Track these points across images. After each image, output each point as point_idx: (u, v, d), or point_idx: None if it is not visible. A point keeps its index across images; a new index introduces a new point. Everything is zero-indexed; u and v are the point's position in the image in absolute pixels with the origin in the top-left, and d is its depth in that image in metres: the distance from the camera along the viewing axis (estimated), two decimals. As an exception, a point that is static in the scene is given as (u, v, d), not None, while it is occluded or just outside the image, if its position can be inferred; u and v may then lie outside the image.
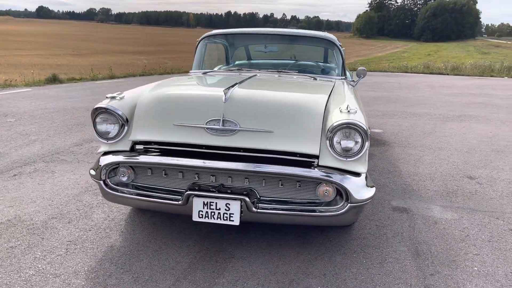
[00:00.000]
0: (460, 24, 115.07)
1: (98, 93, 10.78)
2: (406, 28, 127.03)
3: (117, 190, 3.03)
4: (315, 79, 4.10)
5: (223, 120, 2.78)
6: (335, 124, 2.71)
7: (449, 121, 8.26)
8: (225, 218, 2.79)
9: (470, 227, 3.53)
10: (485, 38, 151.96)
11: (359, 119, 2.76)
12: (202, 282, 2.67)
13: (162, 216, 3.55)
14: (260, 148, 2.78)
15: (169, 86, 3.43)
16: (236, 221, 2.78)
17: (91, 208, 3.71)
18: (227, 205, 2.78)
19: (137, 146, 3.00)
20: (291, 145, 2.78)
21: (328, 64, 4.82)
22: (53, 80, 12.73)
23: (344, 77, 4.41)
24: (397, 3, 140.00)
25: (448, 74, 21.03)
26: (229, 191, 2.83)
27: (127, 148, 2.99)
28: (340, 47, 4.53)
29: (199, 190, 2.83)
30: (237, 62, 4.94)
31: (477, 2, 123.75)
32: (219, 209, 2.79)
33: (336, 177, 2.71)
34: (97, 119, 3.02)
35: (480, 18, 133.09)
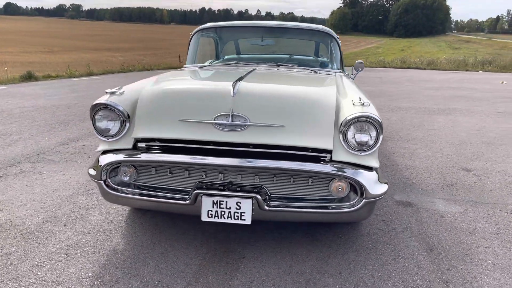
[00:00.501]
0: (431, 20, 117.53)
1: (77, 90, 10.45)
2: (379, 24, 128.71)
3: (118, 191, 2.87)
4: (315, 72, 4.00)
5: (232, 115, 2.65)
6: (349, 118, 2.62)
7: (435, 114, 8.33)
8: (236, 217, 2.67)
9: (476, 220, 3.52)
10: (455, 33, 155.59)
11: (373, 111, 2.68)
12: (215, 285, 2.54)
13: (163, 216, 3.40)
14: (271, 144, 2.67)
15: (172, 81, 3.27)
16: (247, 220, 2.66)
17: (87, 209, 3.53)
18: (238, 203, 2.66)
19: (139, 144, 2.84)
20: (304, 140, 2.67)
21: (324, 58, 4.73)
22: (29, 77, 12.29)
23: (342, 71, 4.34)
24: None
25: (425, 69, 21.36)
26: (238, 189, 2.71)
27: (129, 146, 2.82)
28: (338, 40, 4.45)
29: (207, 188, 2.70)
30: (233, 56, 4.80)
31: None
32: (230, 208, 2.67)
33: (352, 172, 2.63)
34: (97, 116, 2.84)
35: (450, 14, 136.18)
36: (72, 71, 14.61)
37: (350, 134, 2.66)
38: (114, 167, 2.84)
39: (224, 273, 2.66)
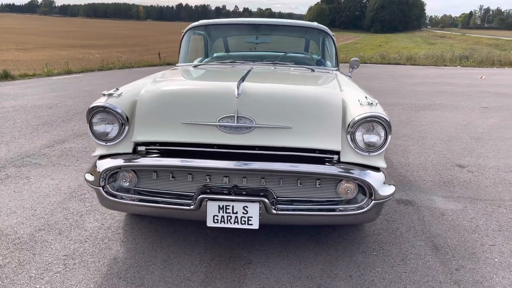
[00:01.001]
0: (407, 16, 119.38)
1: (57, 89, 10.14)
2: (356, 19, 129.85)
3: (118, 197, 2.74)
4: (312, 70, 3.94)
5: (237, 116, 2.56)
6: (357, 118, 2.57)
7: (422, 110, 8.39)
8: (243, 222, 2.59)
9: (477, 217, 3.52)
10: (429, 29, 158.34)
11: (382, 111, 2.64)
12: (225, 293, 2.46)
13: (162, 222, 3.28)
14: (278, 146, 2.59)
15: (171, 81, 3.16)
16: (255, 225, 2.58)
17: (81, 216, 3.38)
18: (245, 208, 2.57)
19: (139, 148, 2.72)
20: (312, 141, 2.60)
21: (314, 55, 4.65)
22: (5, 76, 11.85)
23: (337, 68, 4.29)
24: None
25: (404, 64, 21.62)
26: (244, 192, 2.63)
27: (129, 150, 2.70)
28: (333, 37, 4.40)
29: (212, 193, 2.61)
30: (227, 54, 4.69)
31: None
32: (236, 212, 2.59)
33: (361, 173, 2.58)
34: (94, 119, 2.71)
35: (425, 9, 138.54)
36: (49, 69, 14.17)
37: (358, 135, 2.61)
38: (113, 173, 2.72)
39: (232, 280, 2.57)
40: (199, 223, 3.17)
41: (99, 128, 2.71)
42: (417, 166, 4.81)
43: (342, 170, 2.57)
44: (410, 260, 2.84)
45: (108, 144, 2.71)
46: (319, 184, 2.65)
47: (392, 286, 2.55)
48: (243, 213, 2.58)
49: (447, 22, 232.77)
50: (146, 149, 2.71)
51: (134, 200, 2.74)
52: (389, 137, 2.63)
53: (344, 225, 3.23)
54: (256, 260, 2.81)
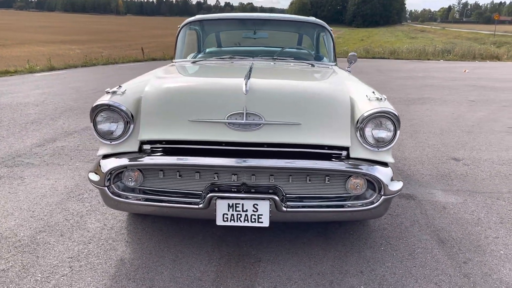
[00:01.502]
0: (388, 10, 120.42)
1: (42, 86, 9.92)
2: (338, 14, 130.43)
3: (123, 197, 2.68)
4: (312, 65, 3.92)
5: (246, 113, 2.52)
6: (367, 114, 2.56)
7: (411, 104, 8.47)
8: (253, 220, 2.57)
9: (477, 210, 3.56)
10: (409, 23, 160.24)
11: (390, 106, 2.64)
12: (237, 292, 2.43)
13: (166, 221, 3.23)
14: (288, 143, 2.57)
15: (175, 78, 3.10)
16: (265, 223, 2.56)
17: (82, 216, 3.31)
18: (255, 205, 2.55)
19: (145, 146, 2.67)
20: (321, 137, 2.59)
21: (306, 50, 4.61)
22: (-14, 73, 11.54)
23: (335, 63, 4.28)
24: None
25: (388, 58, 21.81)
26: (253, 190, 2.60)
27: (135, 149, 2.65)
28: (331, 32, 4.38)
29: (220, 191, 2.58)
30: (225, 49, 4.62)
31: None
32: (246, 210, 2.56)
33: (370, 169, 2.57)
34: (98, 118, 2.63)
35: (405, 4, 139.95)
36: (32, 65, 13.85)
37: (367, 130, 2.60)
38: (119, 172, 2.66)
39: (244, 279, 2.55)
40: (204, 221, 3.15)
41: (104, 126, 2.64)
42: (414, 160, 4.85)
43: (352, 166, 2.57)
44: (418, 254, 2.85)
45: (113, 143, 2.65)
46: (328, 181, 2.63)
47: (404, 281, 2.55)
48: (253, 211, 2.55)
49: (426, 17, 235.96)
50: (151, 147, 2.66)
51: (140, 200, 2.68)
52: (398, 132, 2.63)
53: (352, 221, 3.23)
54: (266, 258, 2.79)
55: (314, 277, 2.58)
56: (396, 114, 2.59)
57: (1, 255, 2.75)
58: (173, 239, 2.99)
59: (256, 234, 3.06)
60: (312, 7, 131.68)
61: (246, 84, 2.60)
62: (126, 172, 2.64)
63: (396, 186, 2.65)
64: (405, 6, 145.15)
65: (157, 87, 2.79)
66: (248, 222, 2.56)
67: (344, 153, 2.63)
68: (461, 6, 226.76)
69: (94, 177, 2.68)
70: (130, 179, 2.66)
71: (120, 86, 2.79)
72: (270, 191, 2.59)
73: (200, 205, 2.55)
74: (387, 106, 2.62)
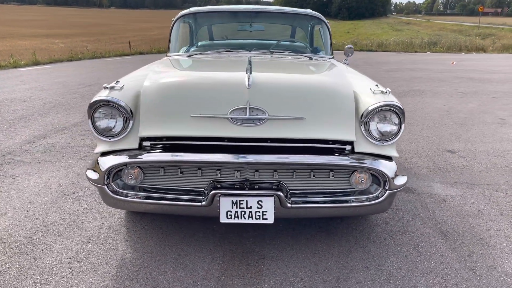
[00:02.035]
0: (373, 3, 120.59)
1: (27, 81, 9.69)
2: (323, 6, 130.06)
3: (123, 195, 2.61)
4: (310, 58, 3.87)
5: (249, 108, 2.47)
6: (372, 107, 2.53)
7: (403, 96, 8.49)
8: (257, 217, 2.52)
9: (477, 202, 3.57)
10: (394, 15, 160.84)
11: (395, 99, 2.61)
12: (244, 290, 2.38)
13: (165, 219, 3.17)
14: (292, 138, 2.52)
15: (174, 72, 3.02)
16: (270, 219, 2.52)
17: (78, 215, 3.22)
18: (259, 202, 2.50)
19: (145, 143, 2.59)
20: (326, 132, 2.54)
21: (302, 43, 4.55)
22: (-32, 68, 11.24)
23: (332, 56, 4.24)
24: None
25: (376, 51, 21.86)
26: (256, 186, 2.55)
27: (135, 146, 2.57)
28: (327, 24, 4.33)
29: (223, 188, 2.52)
30: (221, 42, 4.53)
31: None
32: (250, 207, 2.51)
33: (376, 163, 2.54)
34: (96, 114, 2.54)
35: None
36: (16, 60, 13.54)
37: (372, 124, 2.57)
38: (118, 170, 2.58)
39: (249, 277, 2.50)
40: (204, 218, 3.10)
41: (102, 123, 2.55)
42: (410, 153, 4.85)
43: (357, 161, 2.53)
44: (422, 248, 2.84)
45: (111, 140, 2.56)
46: (332, 176, 2.60)
47: (410, 275, 2.54)
48: (257, 207, 2.50)
49: (411, 9, 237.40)
50: (151, 144, 2.58)
51: (140, 198, 2.62)
52: (403, 125, 2.61)
53: (356, 216, 3.20)
54: (270, 254, 2.74)
55: (320, 274, 2.55)
56: (401, 107, 2.56)
57: (-3, 257, 2.66)
58: (173, 237, 2.93)
59: (258, 230, 3.01)
60: (297, 0, 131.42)
61: (248, 78, 2.54)
62: (125, 170, 2.57)
63: (401, 180, 2.62)
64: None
65: (156, 82, 2.71)
66: (252, 219, 2.52)
67: (348, 147, 2.59)
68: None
69: (93, 175, 2.59)
70: (130, 177, 2.58)
71: (118, 81, 2.70)
72: (274, 187, 2.55)
73: (203, 203, 2.50)
74: (392, 99, 2.59)
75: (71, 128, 5.75)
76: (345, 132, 2.56)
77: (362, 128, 2.57)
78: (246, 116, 2.46)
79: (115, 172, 2.57)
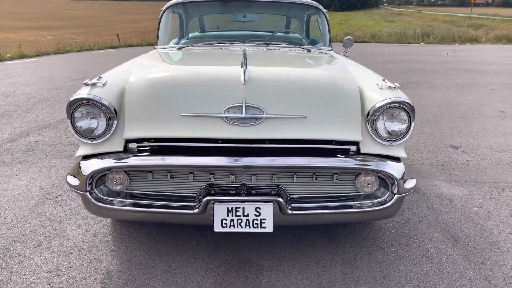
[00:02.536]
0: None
1: (12, 75, 9.34)
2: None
3: (107, 202, 2.37)
4: (309, 51, 3.64)
5: (245, 106, 2.23)
6: (380, 105, 2.32)
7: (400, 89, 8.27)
8: (255, 226, 2.30)
9: (485, 202, 3.38)
10: (386, 6, 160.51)
11: (404, 95, 2.40)
12: (241, 307, 2.17)
13: (155, 225, 2.93)
14: (292, 138, 2.29)
15: (163, 67, 2.77)
16: (269, 228, 2.30)
17: (60, 222, 2.98)
18: (257, 209, 2.28)
19: (130, 145, 2.35)
20: (329, 132, 2.32)
21: (299, 34, 4.31)
22: (-49, 62, 10.84)
23: (331, 48, 4.01)
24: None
25: (370, 42, 21.66)
26: (253, 191, 2.33)
27: (119, 148, 2.33)
28: (326, 14, 4.09)
29: (218, 194, 2.30)
30: (213, 34, 4.27)
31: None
32: (247, 215, 2.29)
33: (385, 165, 2.33)
34: (76, 114, 2.30)
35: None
36: (0, 53, 13.13)
37: (380, 123, 2.35)
38: (102, 175, 2.34)
39: (247, 291, 2.29)
40: (198, 227, 2.87)
41: (83, 124, 2.31)
42: (412, 149, 4.65)
43: (362, 163, 2.32)
44: (432, 255, 2.64)
45: (94, 142, 2.32)
46: (336, 179, 2.38)
47: (422, 287, 2.34)
48: (255, 215, 2.28)
49: (402, 0, 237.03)
50: (138, 146, 2.35)
51: (127, 205, 2.39)
52: (413, 124, 2.40)
53: (362, 222, 2.99)
54: (268, 265, 2.53)
55: (323, 286, 2.34)
56: (411, 104, 2.36)
57: (-31, 272, 2.41)
58: (164, 246, 2.70)
59: (255, 237, 2.80)
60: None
61: (244, 73, 2.30)
62: (110, 175, 2.33)
63: (410, 183, 2.42)
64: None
65: (143, 77, 2.46)
66: (250, 227, 2.30)
67: (352, 148, 2.38)
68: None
69: (74, 181, 2.35)
70: (115, 183, 2.35)
71: (100, 77, 2.45)
72: (273, 192, 2.33)
73: (196, 210, 2.27)
74: (401, 95, 2.38)
75: (56, 125, 5.47)
76: (350, 131, 2.34)
77: (369, 127, 2.36)
78: (242, 115, 2.23)
79: (98, 178, 2.33)
